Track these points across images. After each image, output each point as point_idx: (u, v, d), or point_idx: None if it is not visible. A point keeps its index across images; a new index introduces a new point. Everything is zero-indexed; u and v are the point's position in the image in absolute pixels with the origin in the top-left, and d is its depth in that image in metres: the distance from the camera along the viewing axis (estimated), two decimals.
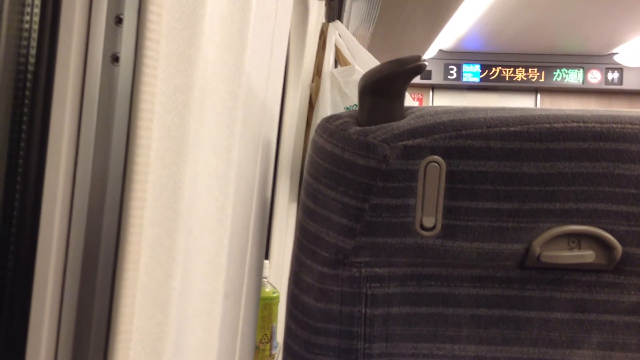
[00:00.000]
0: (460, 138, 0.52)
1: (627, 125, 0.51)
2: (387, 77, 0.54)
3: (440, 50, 4.95)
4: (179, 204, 0.46)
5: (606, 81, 5.11)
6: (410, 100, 1.80)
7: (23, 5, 0.42)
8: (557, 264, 0.53)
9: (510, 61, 5.10)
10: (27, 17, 0.43)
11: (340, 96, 1.37)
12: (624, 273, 0.54)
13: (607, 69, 5.08)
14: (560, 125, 0.51)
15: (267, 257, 1.30)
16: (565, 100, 5.23)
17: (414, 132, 0.52)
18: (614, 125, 0.51)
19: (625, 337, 0.55)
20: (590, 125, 0.51)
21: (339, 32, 1.48)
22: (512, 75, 5.13)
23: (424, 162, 0.52)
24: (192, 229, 0.52)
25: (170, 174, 0.45)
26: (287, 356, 0.59)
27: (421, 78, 5.04)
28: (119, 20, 0.42)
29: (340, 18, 1.64)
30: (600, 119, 0.52)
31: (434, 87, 5.31)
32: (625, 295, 0.54)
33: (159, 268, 0.44)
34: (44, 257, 0.42)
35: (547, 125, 0.51)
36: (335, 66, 1.47)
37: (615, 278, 0.54)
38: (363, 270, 0.54)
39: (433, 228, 0.53)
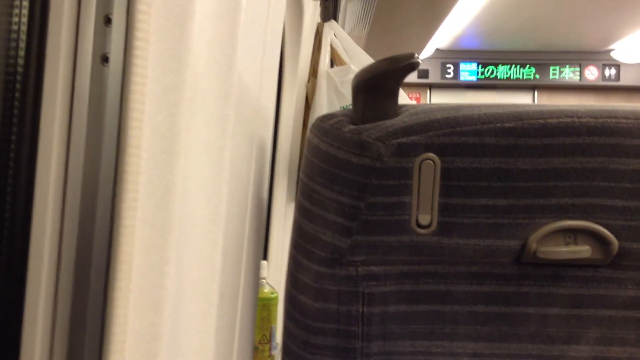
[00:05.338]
0: (455, 135, 0.51)
1: (622, 120, 0.51)
2: (381, 74, 0.53)
3: (437, 49, 4.94)
4: (172, 204, 0.45)
5: (603, 77, 5.11)
6: (407, 99, 1.80)
7: (11, 6, 0.42)
8: (553, 260, 0.53)
9: (507, 59, 5.11)
10: (16, 18, 0.42)
11: (337, 96, 1.37)
12: (621, 268, 0.54)
13: (604, 66, 5.08)
14: (554, 120, 0.51)
15: (265, 258, 1.30)
16: (563, 97, 5.23)
17: (408, 130, 0.52)
18: (608, 120, 0.51)
19: (623, 332, 0.55)
20: (584, 120, 0.51)
21: (334, 32, 1.48)
22: (509, 73, 5.13)
23: (418, 159, 0.52)
24: (185, 229, 0.51)
25: (162, 174, 0.44)
26: (286, 356, 0.58)
27: (418, 77, 5.04)
28: (108, 20, 0.42)
29: (335, 18, 1.63)
30: (594, 114, 0.51)
31: (431, 86, 5.31)
32: (622, 289, 0.54)
33: (152, 269, 0.44)
34: (36, 259, 0.41)
35: (541, 121, 0.51)
36: (331, 66, 1.47)
37: (612, 273, 0.54)
38: (359, 268, 0.54)
39: (429, 225, 0.53)
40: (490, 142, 0.51)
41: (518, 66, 5.12)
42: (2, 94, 0.42)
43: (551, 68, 5.11)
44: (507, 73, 5.13)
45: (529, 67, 5.12)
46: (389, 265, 0.54)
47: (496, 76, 5.14)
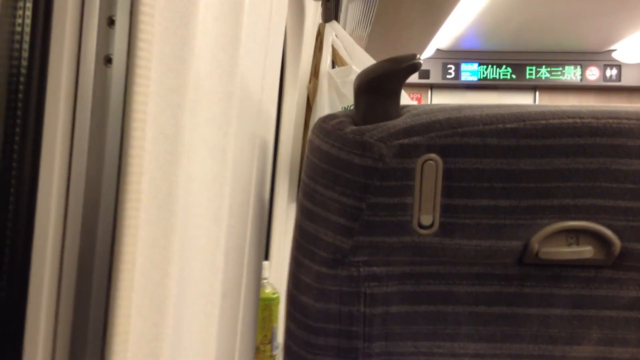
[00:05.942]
0: (457, 136, 0.51)
1: (624, 121, 0.51)
2: (383, 75, 0.53)
3: (438, 50, 4.94)
4: (174, 204, 0.45)
5: (604, 78, 5.10)
6: (408, 100, 1.80)
7: (15, 7, 0.42)
8: (555, 260, 0.53)
9: (508, 59, 5.10)
10: (19, 20, 0.42)
11: (338, 96, 1.37)
12: (623, 268, 0.54)
13: (606, 66, 5.07)
14: (556, 121, 0.51)
15: (267, 258, 1.30)
16: (564, 97, 5.22)
17: (410, 131, 0.52)
18: (610, 121, 0.51)
19: (624, 333, 0.55)
20: (586, 120, 0.51)
21: (335, 33, 1.48)
22: (510, 73, 5.13)
23: (420, 160, 0.52)
24: (187, 229, 0.51)
25: (165, 174, 0.45)
26: (287, 357, 0.58)
27: (419, 77, 5.03)
28: (111, 22, 0.42)
29: (337, 18, 1.63)
30: (596, 115, 0.51)
31: (432, 87, 5.30)
32: (624, 290, 0.54)
33: (155, 269, 0.44)
34: (39, 259, 0.41)
35: (544, 122, 0.51)
36: (333, 67, 1.47)
37: (614, 273, 0.54)
38: (361, 269, 0.54)
39: (431, 226, 0.53)
40: (492, 142, 0.51)
41: (519, 66, 5.11)
42: (5, 95, 0.42)
43: (552, 68, 5.11)
44: (508, 73, 5.13)
45: (530, 68, 5.11)
46: (390, 265, 0.54)
47: (497, 76, 5.13)
